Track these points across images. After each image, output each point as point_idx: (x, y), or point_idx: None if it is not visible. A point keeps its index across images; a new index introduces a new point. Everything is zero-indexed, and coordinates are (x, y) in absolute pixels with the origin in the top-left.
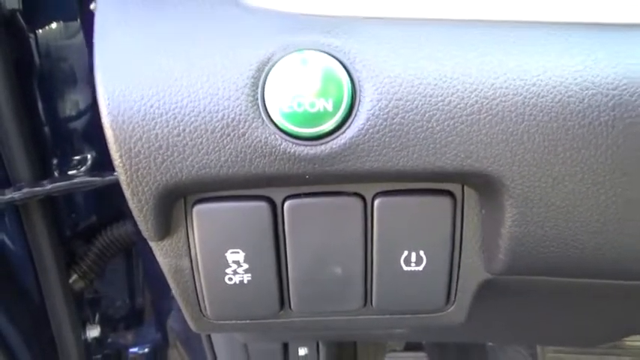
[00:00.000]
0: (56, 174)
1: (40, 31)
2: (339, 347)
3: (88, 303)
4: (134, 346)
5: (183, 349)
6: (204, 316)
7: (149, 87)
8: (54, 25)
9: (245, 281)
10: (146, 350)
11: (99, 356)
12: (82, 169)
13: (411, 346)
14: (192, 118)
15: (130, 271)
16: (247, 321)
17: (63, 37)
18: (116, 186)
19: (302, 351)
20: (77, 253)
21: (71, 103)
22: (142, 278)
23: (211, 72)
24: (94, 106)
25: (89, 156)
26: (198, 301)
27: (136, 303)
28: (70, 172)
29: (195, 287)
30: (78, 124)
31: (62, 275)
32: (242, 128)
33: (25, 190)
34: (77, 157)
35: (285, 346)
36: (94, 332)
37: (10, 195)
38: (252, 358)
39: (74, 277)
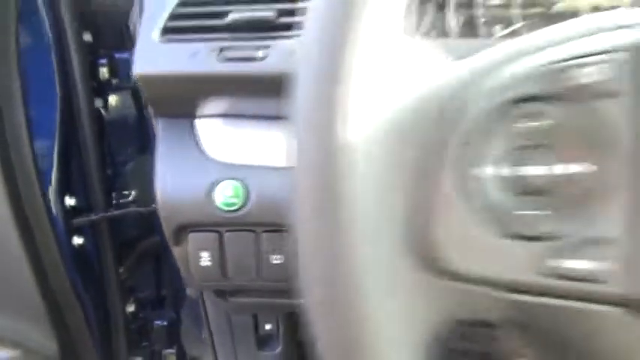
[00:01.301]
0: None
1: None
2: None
3: (128, 289)
4: (157, 319)
5: (191, 323)
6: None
7: None
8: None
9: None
10: (165, 323)
11: (134, 325)
12: (130, 199)
13: None
14: None
15: (157, 269)
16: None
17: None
18: (153, 214)
19: (267, 326)
20: (125, 256)
21: (125, 149)
22: (165, 275)
23: None
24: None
25: (134, 192)
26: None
27: (160, 291)
28: (122, 202)
29: None
30: (128, 167)
31: (116, 270)
32: None
33: (100, 214)
34: (126, 192)
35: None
36: (130, 308)
37: (90, 217)
38: (233, 328)
39: (121, 270)
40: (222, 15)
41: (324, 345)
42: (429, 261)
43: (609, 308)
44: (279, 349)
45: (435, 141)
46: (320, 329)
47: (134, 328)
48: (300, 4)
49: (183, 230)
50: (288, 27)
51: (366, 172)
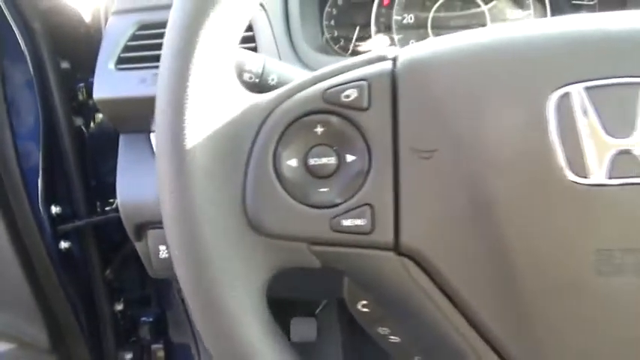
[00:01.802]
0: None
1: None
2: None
3: (116, 289)
4: (144, 316)
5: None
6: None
7: None
8: None
9: None
10: (151, 319)
11: (122, 322)
12: (114, 206)
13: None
14: None
15: (142, 270)
16: None
17: None
18: None
19: None
20: (111, 259)
21: (108, 161)
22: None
23: None
24: None
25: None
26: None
27: (145, 290)
28: (107, 209)
29: None
30: (111, 177)
31: (102, 271)
32: None
33: (84, 221)
34: (110, 200)
35: None
36: (119, 307)
37: (75, 224)
38: None
39: (108, 272)
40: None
41: (182, 283)
42: (253, 224)
43: (380, 252)
44: None
45: (258, 145)
46: (178, 272)
47: (123, 325)
48: None
49: (142, 228)
50: None
51: (204, 166)
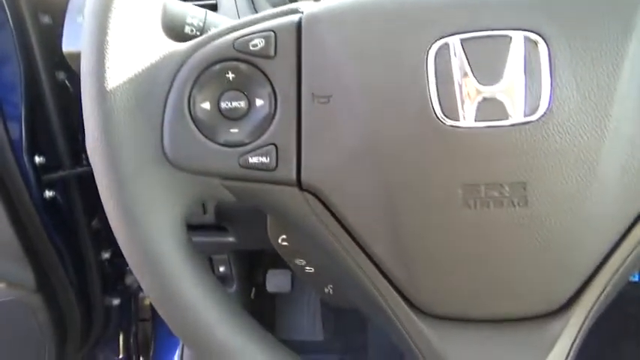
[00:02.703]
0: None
1: None
2: (250, 265)
3: (103, 238)
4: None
5: None
6: None
7: None
8: None
9: None
10: None
11: (109, 270)
12: None
13: None
14: None
15: None
16: None
17: None
18: None
19: (221, 268)
20: (98, 208)
21: None
22: None
23: None
24: None
25: None
26: None
27: None
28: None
29: None
30: None
31: (88, 220)
32: None
33: (67, 171)
34: None
35: (210, 262)
36: (106, 255)
37: (58, 174)
38: None
39: (94, 221)
40: None
41: (106, 209)
42: (171, 159)
43: (284, 187)
44: (234, 288)
45: (174, 89)
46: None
47: (110, 272)
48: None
49: None
50: None
51: (124, 106)
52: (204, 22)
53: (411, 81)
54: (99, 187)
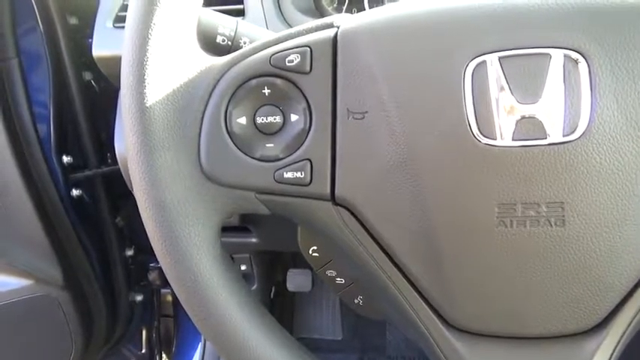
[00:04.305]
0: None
1: None
2: (271, 264)
3: (127, 235)
4: (154, 262)
5: None
6: None
7: None
8: None
9: None
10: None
11: (133, 266)
12: None
13: None
14: None
15: None
16: None
17: None
18: None
19: (243, 267)
20: (122, 206)
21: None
22: None
23: None
24: None
25: None
26: None
27: None
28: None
29: None
30: None
31: (112, 217)
32: None
33: (94, 170)
34: None
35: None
36: (130, 252)
37: (84, 173)
38: None
39: (118, 219)
40: None
41: (145, 223)
42: (207, 173)
43: (318, 201)
44: (255, 287)
45: (211, 104)
46: (141, 212)
47: (133, 269)
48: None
49: None
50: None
51: (163, 120)
52: (235, 32)
53: (447, 99)
54: (138, 204)
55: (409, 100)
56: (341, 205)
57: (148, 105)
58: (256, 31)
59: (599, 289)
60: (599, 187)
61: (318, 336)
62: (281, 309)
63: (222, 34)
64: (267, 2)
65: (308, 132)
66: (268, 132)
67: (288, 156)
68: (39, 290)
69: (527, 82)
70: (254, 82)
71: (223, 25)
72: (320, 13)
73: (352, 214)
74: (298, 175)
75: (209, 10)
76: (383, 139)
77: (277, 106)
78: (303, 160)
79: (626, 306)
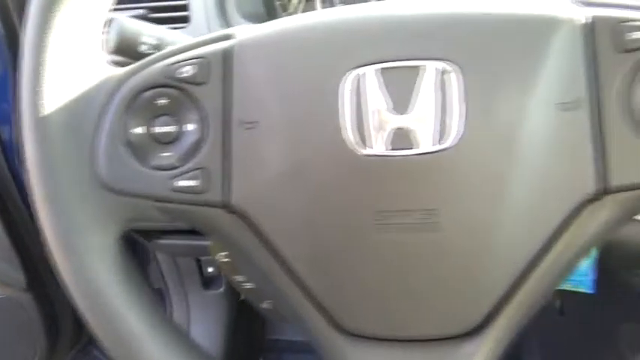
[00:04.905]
0: None
1: None
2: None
3: None
4: None
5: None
6: None
7: None
8: None
9: None
10: None
11: None
12: None
13: None
14: None
15: None
16: None
17: None
18: None
19: (210, 269)
20: None
21: None
22: None
23: None
24: None
25: None
26: None
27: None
28: None
29: None
30: None
31: None
32: None
33: None
34: None
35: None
36: None
37: None
38: (181, 271)
39: None
40: None
41: (42, 227)
42: (105, 183)
43: (213, 209)
44: (222, 289)
45: (109, 113)
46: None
47: None
48: (167, 3)
49: None
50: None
51: (58, 128)
52: (158, 41)
53: (327, 109)
54: (37, 211)
55: (293, 110)
56: (236, 213)
57: (43, 115)
58: (184, 40)
59: (476, 292)
60: (470, 193)
61: (289, 337)
62: (250, 311)
63: (145, 43)
64: (211, 9)
65: (203, 141)
66: (165, 141)
67: (184, 165)
68: (1, 293)
69: (401, 93)
70: (150, 92)
71: (148, 33)
72: (270, 18)
73: (247, 221)
74: (193, 183)
75: (133, 19)
76: (272, 149)
77: (173, 116)
78: (198, 168)
79: (503, 309)
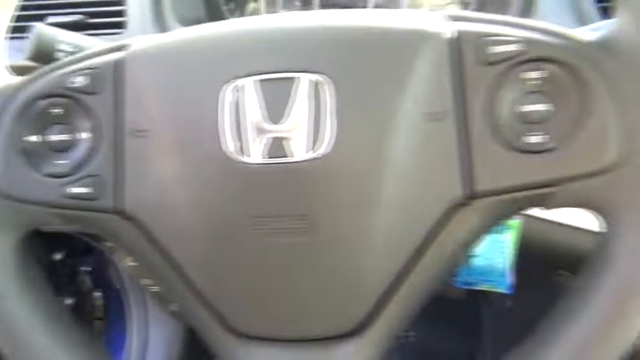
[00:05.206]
0: None
1: None
2: None
3: (55, 239)
4: (84, 266)
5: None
6: None
7: None
8: None
9: None
10: (90, 269)
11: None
12: None
13: None
14: None
15: None
16: None
17: None
18: None
19: None
20: None
21: None
22: None
23: None
24: None
25: None
26: None
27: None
28: None
29: None
30: None
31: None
32: None
33: None
34: None
35: None
36: (58, 256)
37: None
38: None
39: None
40: (42, 17)
41: None
42: (4, 191)
43: (106, 215)
44: None
45: (4, 122)
46: None
47: (63, 272)
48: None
49: None
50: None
51: None
52: (75, 48)
53: (208, 119)
54: None
55: (178, 121)
56: (129, 219)
57: None
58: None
59: (354, 294)
60: (343, 200)
61: None
62: None
63: (62, 50)
64: (147, 14)
65: (96, 150)
66: (59, 149)
67: (78, 172)
68: None
69: (277, 103)
70: (45, 102)
71: (65, 41)
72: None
73: (140, 227)
74: (85, 190)
75: (50, 27)
76: (162, 158)
77: (67, 125)
78: (91, 176)
79: (383, 310)
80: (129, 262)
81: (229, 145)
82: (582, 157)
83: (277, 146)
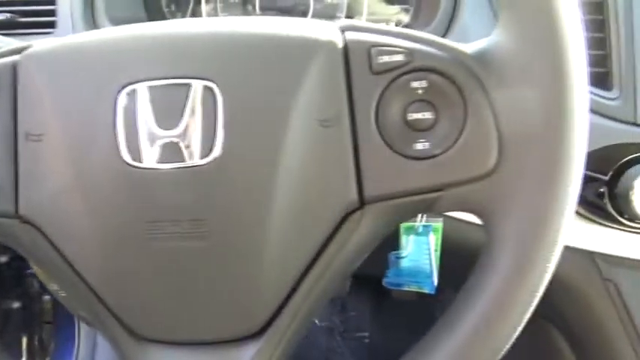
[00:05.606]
0: None
1: None
2: None
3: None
4: (30, 268)
5: None
6: None
7: None
8: None
9: None
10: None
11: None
12: None
13: None
14: None
15: None
16: None
17: None
18: None
19: None
20: None
21: None
22: None
23: None
24: None
25: None
26: None
27: None
28: None
29: None
30: None
31: None
32: None
33: None
34: None
35: None
36: (3, 258)
37: None
38: None
39: None
40: None
41: None
42: None
43: (6, 220)
44: None
45: None
46: None
47: (8, 275)
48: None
49: None
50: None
51: None
52: None
53: (102, 124)
54: None
55: (73, 124)
56: (27, 223)
57: None
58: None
59: (252, 297)
60: (236, 204)
61: None
62: None
63: None
64: (77, 14)
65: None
66: None
67: None
68: None
69: (170, 109)
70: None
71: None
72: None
73: (39, 231)
74: None
75: None
76: (57, 162)
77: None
78: None
79: (282, 313)
80: (36, 267)
81: (123, 150)
82: (464, 164)
83: (171, 151)
